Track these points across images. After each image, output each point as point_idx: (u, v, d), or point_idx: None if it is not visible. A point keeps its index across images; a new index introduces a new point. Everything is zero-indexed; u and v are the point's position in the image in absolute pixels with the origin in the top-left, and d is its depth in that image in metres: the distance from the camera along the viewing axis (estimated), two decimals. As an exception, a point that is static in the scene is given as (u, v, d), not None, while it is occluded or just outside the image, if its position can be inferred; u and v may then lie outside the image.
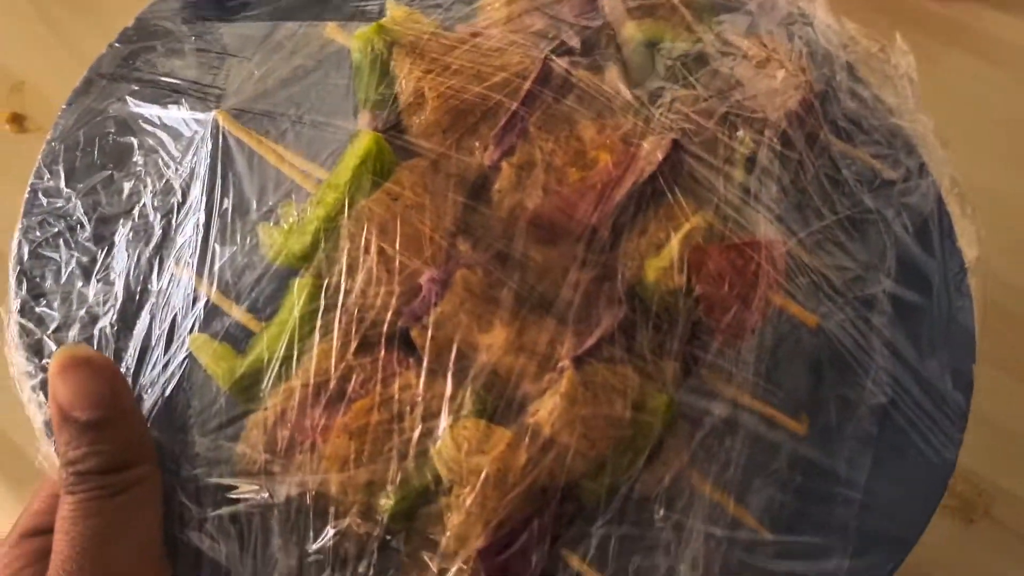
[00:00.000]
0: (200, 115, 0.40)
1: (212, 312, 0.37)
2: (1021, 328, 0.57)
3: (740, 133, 0.40)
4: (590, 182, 0.38)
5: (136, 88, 0.42)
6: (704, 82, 0.42)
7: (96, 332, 0.37)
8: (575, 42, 0.42)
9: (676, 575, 0.34)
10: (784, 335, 0.38)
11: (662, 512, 0.34)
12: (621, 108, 0.40)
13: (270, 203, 0.38)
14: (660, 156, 0.38)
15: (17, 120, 0.66)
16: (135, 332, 0.37)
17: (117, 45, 0.45)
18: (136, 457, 0.33)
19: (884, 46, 0.50)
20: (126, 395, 0.33)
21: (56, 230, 0.39)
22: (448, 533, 0.33)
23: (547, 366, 0.35)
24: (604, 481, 0.34)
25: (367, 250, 0.36)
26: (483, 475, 0.33)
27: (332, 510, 0.34)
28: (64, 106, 0.43)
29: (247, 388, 0.35)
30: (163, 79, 0.43)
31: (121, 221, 0.39)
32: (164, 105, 0.41)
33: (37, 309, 0.38)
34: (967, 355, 0.42)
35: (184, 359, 0.36)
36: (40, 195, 0.40)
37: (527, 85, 0.39)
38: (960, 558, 0.49)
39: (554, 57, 0.40)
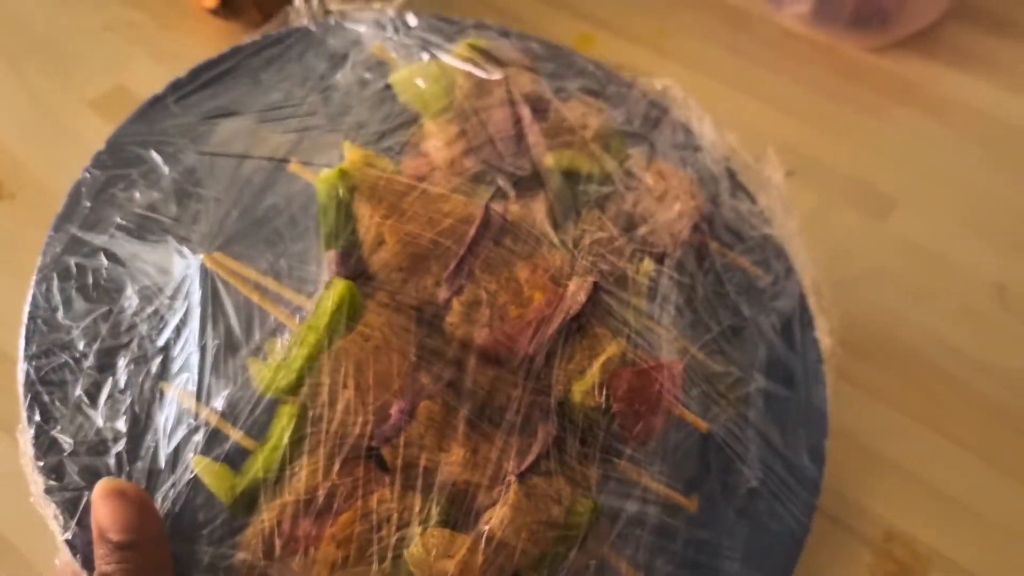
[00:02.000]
0: (189, 257, 0.46)
1: (211, 438, 0.43)
2: (961, 393, 0.60)
3: (644, 263, 0.49)
4: (527, 318, 0.46)
5: (121, 222, 0.48)
6: (612, 215, 0.51)
7: (112, 460, 0.43)
8: (508, 187, 0.49)
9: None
10: (681, 438, 0.47)
11: (588, 590, 0.44)
12: (549, 248, 0.48)
13: (257, 339, 0.44)
14: (583, 297, 0.46)
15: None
16: (144, 458, 0.43)
17: (94, 171, 0.50)
18: (157, 574, 0.40)
19: (759, 157, 0.59)
20: (154, 522, 0.40)
21: (62, 360, 0.45)
22: (421, 624, 0.41)
23: (497, 479, 0.43)
24: (544, 571, 0.43)
25: (345, 384, 0.43)
26: (448, 575, 0.41)
27: (324, 606, 0.41)
28: (51, 232, 0.48)
29: (246, 504, 0.42)
30: (146, 213, 0.48)
31: (121, 352, 0.45)
32: (151, 244, 0.47)
33: (52, 433, 0.43)
34: (821, 433, 0.52)
35: (189, 480, 0.43)
36: (40, 323, 0.46)
37: (472, 232, 0.46)
38: None
39: (491, 206, 0.48)
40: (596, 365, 0.46)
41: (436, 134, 0.52)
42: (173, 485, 0.43)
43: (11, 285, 0.49)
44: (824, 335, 0.56)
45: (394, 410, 0.43)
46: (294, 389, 0.43)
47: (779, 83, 0.79)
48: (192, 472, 0.43)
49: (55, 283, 0.47)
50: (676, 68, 0.80)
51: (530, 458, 0.44)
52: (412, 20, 0.57)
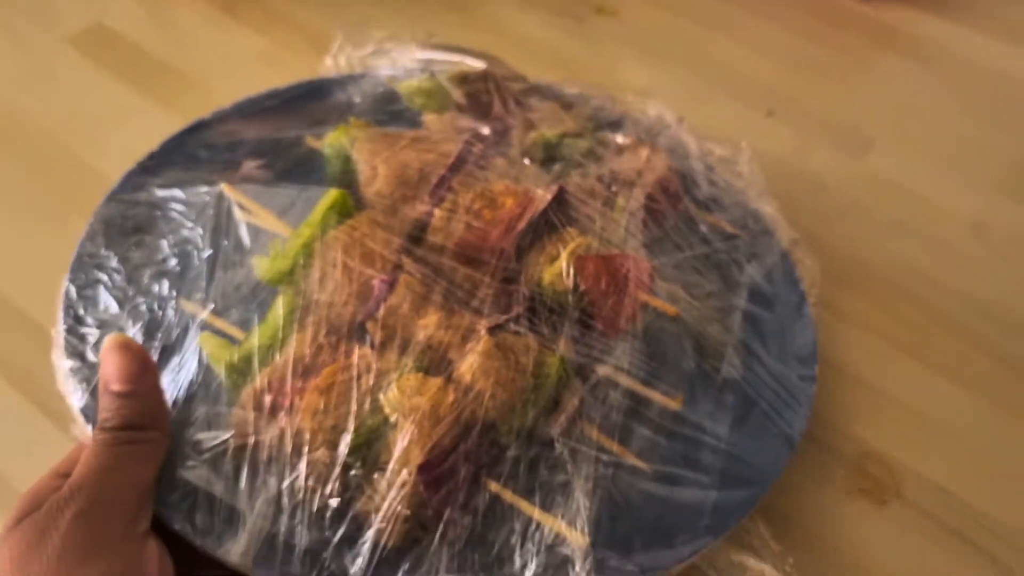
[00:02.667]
0: (210, 188, 0.53)
1: (216, 329, 0.48)
2: (938, 320, 0.61)
3: (614, 188, 0.54)
4: (499, 218, 0.51)
5: (161, 182, 0.56)
6: (591, 163, 0.57)
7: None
8: (486, 131, 0.56)
9: (571, 487, 0.44)
10: (651, 324, 0.50)
11: (560, 440, 0.45)
12: (524, 175, 0.54)
13: (261, 241, 0.51)
14: (549, 197, 0.51)
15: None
16: (157, 340, 0.48)
17: (146, 162, 0.59)
18: (149, 423, 0.43)
19: (734, 152, 0.65)
20: (151, 376, 0.44)
21: (96, 277, 0.52)
22: (394, 456, 0.43)
23: (469, 339, 0.47)
24: (514, 423, 0.45)
25: (334, 265, 0.48)
26: (421, 410, 0.43)
27: (306, 448, 0.44)
28: (102, 202, 0.56)
29: (240, 371, 0.46)
30: (183, 174, 0.56)
31: (147, 268, 0.52)
32: (185, 188, 0.55)
33: (81, 329, 0.49)
34: (811, 363, 0.53)
35: (196, 357, 0.47)
36: (85, 258, 0.53)
37: (453, 156, 0.53)
38: (873, 537, 0.50)
39: (473, 140, 0.54)
40: (564, 253, 0.50)
41: (434, 119, 0.60)
42: (181, 359, 0.47)
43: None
44: (808, 288, 0.58)
45: (376, 282, 0.48)
46: (290, 275, 0.49)
47: (762, 27, 0.82)
48: (197, 348, 0.47)
49: (101, 231, 0.54)
50: (659, 13, 0.83)
51: (503, 318, 0.47)
52: (419, 51, 0.67)
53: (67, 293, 0.51)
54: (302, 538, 0.42)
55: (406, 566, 0.42)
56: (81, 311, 0.50)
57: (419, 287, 0.48)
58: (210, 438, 0.45)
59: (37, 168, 0.66)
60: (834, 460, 0.53)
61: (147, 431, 0.42)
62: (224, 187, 0.53)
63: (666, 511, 0.46)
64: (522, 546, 0.43)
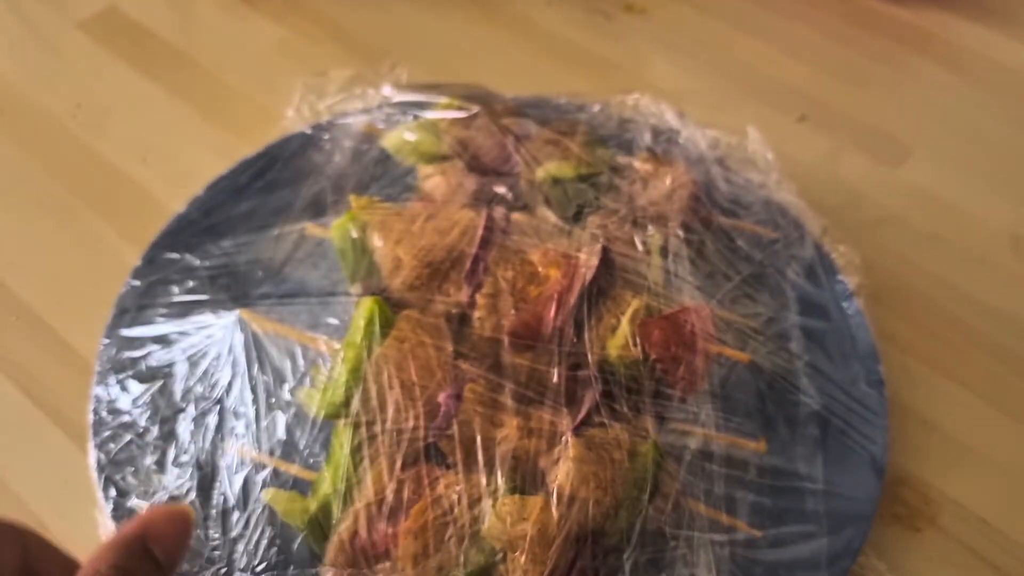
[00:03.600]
0: (226, 315, 0.49)
1: (275, 474, 0.45)
2: (975, 339, 0.58)
3: (650, 229, 0.51)
4: (548, 294, 0.47)
5: (163, 311, 0.51)
6: (611, 199, 0.53)
7: None
8: (504, 190, 0.53)
9: (697, 579, 0.42)
10: (726, 376, 0.48)
11: (672, 532, 0.43)
12: (554, 233, 0.51)
13: (301, 371, 0.47)
14: (595, 261, 0.48)
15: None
16: (213, 500, 0.45)
17: (135, 283, 0.54)
18: None
19: (741, 139, 0.62)
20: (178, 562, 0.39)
21: (127, 439, 0.47)
22: (512, 591, 0.41)
23: (554, 442, 0.44)
24: (621, 521, 0.43)
25: (390, 386, 0.45)
26: (528, 537, 0.41)
27: (415, 599, 0.41)
28: (104, 340, 0.51)
29: (320, 525, 0.43)
30: (183, 299, 0.52)
31: (179, 417, 0.47)
32: (192, 319, 0.50)
33: (128, 504, 0.45)
34: (873, 361, 0.52)
35: (261, 511, 0.44)
36: (104, 414, 0.48)
37: (480, 231, 0.49)
38: (906, 565, 0.48)
39: (494, 206, 0.51)
40: (624, 320, 0.47)
41: (432, 173, 0.55)
42: (247, 522, 0.44)
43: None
44: (848, 276, 0.56)
45: (442, 398, 0.44)
46: (345, 404, 0.45)
47: (794, 29, 0.78)
48: (263, 504, 0.44)
49: (112, 378, 0.50)
50: (690, 12, 0.80)
51: (582, 413, 0.44)
52: (392, 93, 0.62)
53: (98, 463, 0.47)
54: None
55: None
56: (121, 481, 0.46)
57: (486, 393, 0.45)
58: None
59: (44, 156, 0.65)
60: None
61: None
62: (242, 313, 0.48)
63: (786, 573, 0.45)
64: (663, 652, 0.42)
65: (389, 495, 0.43)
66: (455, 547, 0.42)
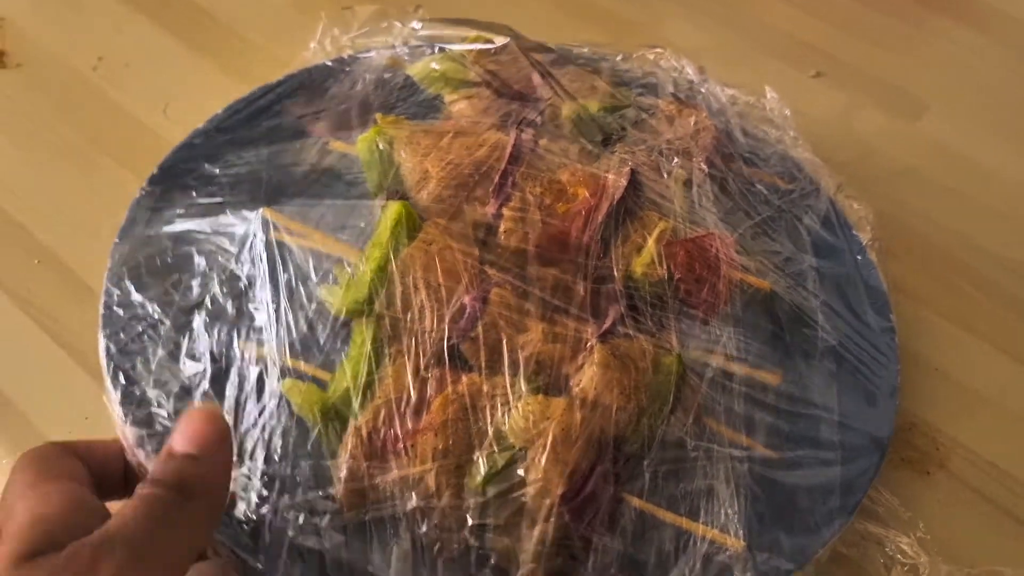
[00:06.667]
0: (248, 213, 0.48)
1: (291, 368, 0.44)
2: (989, 290, 0.59)
3: (676, 160, 0.51)
4: (575, 211, 0.47)
5: (181, 212, 0.50)
6: (637, 130, 0.54)
7: (198, 398, 0.43)
8: (534, 115, 0.53)
9: (715, 491, 0.42)
10: (747, 302, 0.48)
11: (693, 443, 0.43)
12: (583, 157, 0.51)
13: (324, 268, 0.46)
14: (624, 182, 0.48)
15: (-3, 57, 0.67)
16: (227, 391, 0.44)
17: (148, 188, 0.53)
18: (204, 492, 0.35)
19: (759, 97, 0.63)
20: (227, 451, 0.37)
21: (139, 330, 0.46)
22: (531, 490, 0.40)
23: (578, 348, 0.44)
24: (643, 430, 0.43)
25: (416, 287, 0.44)
26: (551, 436, 0.41)
27: (433, 493, 0.40)
28: (116, 240, 0.50)
29: (338, 417, 0.42)
30: (203, 201, 0.51)
31: (195, 311, 0.46)
32: (211, 218, 0.49)
33: (136, 393, 0.44)
34: (884, 307, 0.53)
35: (277, 403, 0.43)
36: (114, 308, 0.47)
37: (509, 148, 0.49)
38: (916, 508, 0.48)
39: (523, 127, 0.51)
40: (651, 240, 0.47)
41: (459, 99, 0.55)
42: (261, 412, 0.43)
43: (15, 156, 0.56)
44: (861, 228, 0.57)
45: (467, 299, 0.44)
46: (368, 303, 0.44)
47: None
48: (279, 395, 0.43)
49: (125, 274, 0.48)
50: None
51: (608, 322, 0.44)
52: (418, 25, 0.62)
53: (107, 352, 0.46)
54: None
55: (563, 602, 0.40)
56: (131, 370, 0.45)
57: (512, 299, 0.45)
58: (323, 496, 0.41)
59: (66, 107, 0.64)
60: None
61: (200, 499, 0.37)
62: (265, 211, 0.48)
63: (801, 496, 0.44)
64: (676, 561, 0.41)
65: (412, 393, 0.42)
66: (476, 444, 0.41)
